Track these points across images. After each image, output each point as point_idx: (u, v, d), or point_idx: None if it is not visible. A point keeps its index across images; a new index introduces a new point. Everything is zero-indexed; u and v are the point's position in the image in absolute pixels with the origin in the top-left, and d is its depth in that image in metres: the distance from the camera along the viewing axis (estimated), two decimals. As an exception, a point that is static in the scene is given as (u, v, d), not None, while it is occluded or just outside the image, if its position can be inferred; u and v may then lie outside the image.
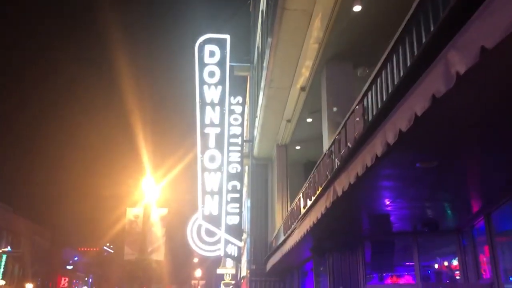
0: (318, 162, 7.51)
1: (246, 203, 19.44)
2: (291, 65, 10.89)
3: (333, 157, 6.40)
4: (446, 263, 8.74)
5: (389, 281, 9.26)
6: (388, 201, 5.91)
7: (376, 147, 4.05)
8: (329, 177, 6.40)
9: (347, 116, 5.74)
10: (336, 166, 6.01)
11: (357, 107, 5.25)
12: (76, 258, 60.90)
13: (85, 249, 65.99)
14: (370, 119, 4.73)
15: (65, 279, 57.06)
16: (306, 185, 8.82)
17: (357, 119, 5.14)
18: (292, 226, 9.55)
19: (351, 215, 6.88)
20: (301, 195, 9.27)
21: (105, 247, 70.27)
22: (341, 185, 5.32)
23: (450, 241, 8.14)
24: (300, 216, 8.50)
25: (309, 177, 8.31)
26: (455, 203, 6.43)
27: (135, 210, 15.53)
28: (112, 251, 65.81)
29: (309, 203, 7.97)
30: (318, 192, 6.90)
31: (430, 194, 5.84)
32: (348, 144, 5.44)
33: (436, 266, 8.89)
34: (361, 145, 4.64)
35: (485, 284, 6.29)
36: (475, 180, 5.34)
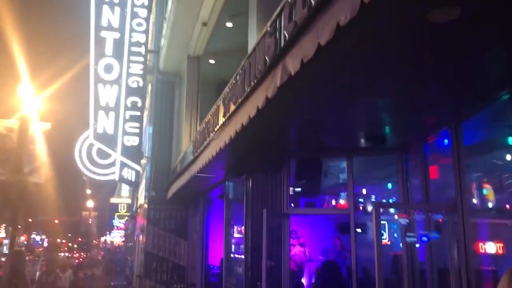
0: (252, 49, 5.71)
1: (148, 125, 17.28)
2: None
3: (278, 35, 4.64)
4: (384, 186, 7.80)
5: (317, 205, 8.13)
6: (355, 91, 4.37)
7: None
8: (267, 61, 4.67)
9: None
10: (285, 42, 4.27)
11: None
12: None
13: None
14: None
15: None
16: (227, 88, 7.05)
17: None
18: (208, 138, 7.83)
19: (291, 114, 5.26)
20: (220, 102, 7.50)
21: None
22: (298, 56, 3.61)
23: (391, 161, 7.04)
24: (221, 123, 6.77)
25: (235, 74, 6.52)
26: (428, 104, 5.11)
27: (8, 122, 12.63)
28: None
29: (233, 109, 6.23)
30: (253, 84, 5.16)
31: (414, 83, 4.38)
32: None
33: (372, 189, 7.94)
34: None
35: (446, 204, 5.20)
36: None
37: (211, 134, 7.67)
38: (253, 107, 4.82)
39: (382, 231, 14.99)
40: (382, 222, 13.54)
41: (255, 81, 5.06)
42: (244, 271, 7.56)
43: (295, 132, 6.26)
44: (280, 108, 4.80)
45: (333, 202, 9.73)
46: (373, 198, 9.92)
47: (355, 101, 4.76)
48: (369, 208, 9.44)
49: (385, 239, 14.41)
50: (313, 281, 12.23)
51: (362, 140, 6.51)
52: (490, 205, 8.10)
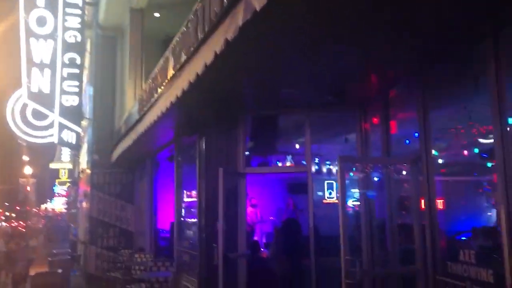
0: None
1: (88, 84, 16.16)
2: None
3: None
4: (338, 145, 7.60)
5: (273, 165, 7.85)
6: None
7: None
8: (225, 2, 4.16)
9: None
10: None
11: None
12: None
13: None
14: None
15: None
16: (177, 37, 6.45)
17: None
18: (156, 94, 7.23)
19: (251, 61, 4.80)
20: (169, 53, 6.88)
21: None
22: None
23: (349, 117, 6.81)
24: (172, 74, 6.19)
25: (186, 21, 5.93)
26: (392, 55, 4.83)
27: None
28: None
29: (185, 58, 5.67)
30: (208, 28, 4.64)
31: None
32: None
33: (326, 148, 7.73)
34: None
35: (410, 157, 5.03)
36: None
37: (159, 90, 7.09)
38: (209, 53, 4.32)
39: (330, 190, 15.15)
40: (329, 181, 13.62)
41: (211, 25, 4.54)
42: (198, 234, 7.23)
43: (253, 84, 5.81)
44: (240, 54, 4.34)
45: (279, 164, 9.56)
46: (316, 160, 9.83)
47: (319, 47, 4.38)
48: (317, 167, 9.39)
49: (333, 197, 14.63)
50: (264, 240, 12.20)
51: (322, 95, 6.20)
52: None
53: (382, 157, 5.51)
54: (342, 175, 4.47)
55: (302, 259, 6.02)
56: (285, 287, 5.62)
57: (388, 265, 5.59)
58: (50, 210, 55.33)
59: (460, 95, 5.28)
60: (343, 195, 4.48)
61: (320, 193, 14.69)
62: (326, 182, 13.13)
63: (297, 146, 9.32)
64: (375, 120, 6.32)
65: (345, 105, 6.57)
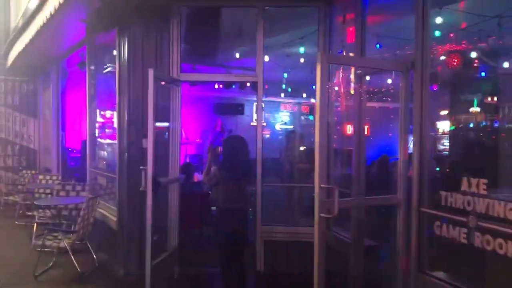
0: None
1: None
2: None
3: None
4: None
5: (215, 70, 6.47)
6: None
7: None
8: None
9: None
10: None
11: None
12: None
13: None
14: None
15: None
16: None
17: None
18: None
19: None
20: None
21: None
22: None
23: (310, 14, 5.56)
24: None
25: None
26: None
27: None
28: None
29: None
30: None
31: None
32: None
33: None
34: None
35: (404, 62, 3.94)
36: None
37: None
38: None
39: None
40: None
41: None
42: (118, 153, 5.84)
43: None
44: None
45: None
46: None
47: None
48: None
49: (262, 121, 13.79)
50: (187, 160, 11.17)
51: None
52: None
53: (373, 59, 4.39)
54: (323, 78, 3.31)
55: (249, 186, 4.96)
56: (229, 218, 4.55)
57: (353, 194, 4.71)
58: None
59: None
60: (324, 105, 3.35)
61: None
62: (254, 104, 12.33)
63: (238, 55, 8.02)
64: (345, 17, 5.14)
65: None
